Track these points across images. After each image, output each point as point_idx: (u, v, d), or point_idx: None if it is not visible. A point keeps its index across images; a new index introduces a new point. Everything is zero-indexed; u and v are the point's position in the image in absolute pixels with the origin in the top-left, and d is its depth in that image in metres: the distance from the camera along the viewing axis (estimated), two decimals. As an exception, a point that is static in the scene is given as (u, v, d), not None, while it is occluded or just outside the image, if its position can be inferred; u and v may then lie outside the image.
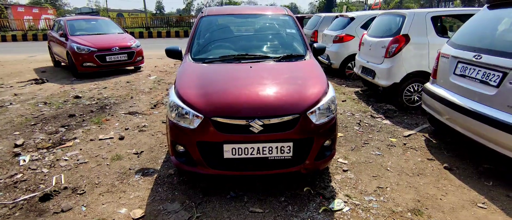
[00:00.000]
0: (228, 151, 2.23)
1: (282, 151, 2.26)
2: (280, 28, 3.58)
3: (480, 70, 2.78)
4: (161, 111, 4.79)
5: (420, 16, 4.42)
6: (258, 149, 2.23)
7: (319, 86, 2.50)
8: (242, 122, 2.19)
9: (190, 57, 3.11)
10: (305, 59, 3.06)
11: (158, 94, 5.82)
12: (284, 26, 3.58)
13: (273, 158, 2.27)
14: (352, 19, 6.86)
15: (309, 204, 2.40)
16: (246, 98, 2.31)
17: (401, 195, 2.53)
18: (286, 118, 2.22)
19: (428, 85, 3.57)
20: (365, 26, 6.68)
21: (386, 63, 4.63)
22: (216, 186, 2.62)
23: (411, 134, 3.79)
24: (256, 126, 2.18)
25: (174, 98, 2.41)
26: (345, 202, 2.41)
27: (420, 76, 4.50)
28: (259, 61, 2.95)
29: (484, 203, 2.42)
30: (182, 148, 2.43)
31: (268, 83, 2.50)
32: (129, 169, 2.99)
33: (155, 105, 5.06)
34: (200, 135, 2.25)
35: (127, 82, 6.90)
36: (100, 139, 3.71)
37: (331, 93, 2.47)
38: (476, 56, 2.81)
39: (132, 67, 8.39)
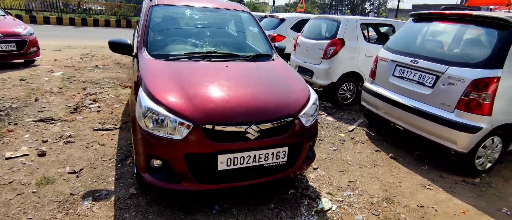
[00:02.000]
0: (223, 162, 1.98)
1: (278, 157, 2.15)
2: (242, 25, 3.40)
3: (417, 73, 3.30)
4: (87, 116, 3.92)
5: (352, 23, 4.95)
6: (255, 156, 2.06)
7: (304, 87, 2.48)
8: (239, 129, 1.97)
9: (146, 53, 2.62)
10: (273, 59, 3.00)
11: (74, 95, 4.76)
12: (245, 24, 3.42)
13: (268, 164, 2.14)
14: (282, 20, 7.17)
15: (299, 207, 2.37)
16: (239, 102, 2.09)
17: (370, 187, 2.77)
18: (281, 122, 2.11)
19: (368, 84, 4.04)
20: (294, 27, 7.10)
21: (324, 64, 5.01)
22: (196, 202, 2.30)
23: (353, 129, 4.22)
24: (252, 132, 2.00)
25: (149, 103, 1.97)
26: (330, 200, 2.49)
27: (352, 76, 5.06)
28: (229, 60, 2.73)
29: (429, 185, 2.89)
30: (158, 162, 2.03)
31: (255, 85, 2.34)
32: (71, 194, 2.32)
33: (75, 109, 4.10)
34: (189, 146, 1.92)
35: (21, 79, 5.38)
36: (8, 158, 2.76)
37: (314, 94, 2.49)
38: (413, 61, 3.32)
39: (22, 61, 6.62)
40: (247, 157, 2.04)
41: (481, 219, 2.46)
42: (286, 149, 2.15)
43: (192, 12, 3.22)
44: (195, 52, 2.73)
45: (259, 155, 2.07)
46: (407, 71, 3.41)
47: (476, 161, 3.00)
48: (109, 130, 3.56)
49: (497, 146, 3.03)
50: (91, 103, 4.39)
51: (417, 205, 2.54)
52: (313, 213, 2.31)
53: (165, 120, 1.93)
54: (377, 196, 2.62)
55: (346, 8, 55.08)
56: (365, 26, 5.13)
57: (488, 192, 2.86)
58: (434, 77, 3.09)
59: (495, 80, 2.69)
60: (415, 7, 52.51)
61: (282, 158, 2.17)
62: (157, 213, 2.17)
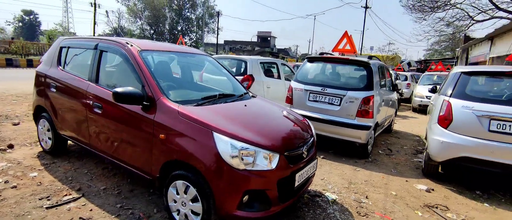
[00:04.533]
0: (297, 180, 2.49)
1: (313, 167, 2.86)
2: (216, 69, 3.71)
3: (326, 97, 4.86)
4: (1, 196, 2.80)
5: (255, 61, 6.15)
6: (307, 170, 2.68)
7: (301, 116, 3.30)
8: (300, 151, 2.56)
9: (169, 101, 2.56)
10: (254, 96, 3.60)
11: None
12: (217, 67, 3.75)
13: (310, 174, 2.80)
14: (172, 58, 7.37)
15: (320, 204, 3.13)
16: (292, 131, 2.66)
17: (334, 179, 3.91)
18: (312, 140, 2.86)
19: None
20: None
21: (240, 96, 5.88)
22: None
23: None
24: (305, 151, 2.65)
25: (240, 144, 2.18)
26: (330, 193, 3.39)
27: (261, 104, 6.21)
28: (235, 101, 3.11)
29: (356, 168, 4.40)
30: (246, 197, 2.25)
31: (283, 117, 2.93)
32: None
33: None
34: (280, 173, 2.31)
35: None
36: None
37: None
38: (323, 89, 4.87)
39: None
40: (305, 172, 2.63)
41: (391, 178, 4.15)
42: (316, 161, 2.90)
43: (175, 57, 3.26)
44: (212, 96, 2.92)
45: (308, 168, 2.71)
46: (319, 97, 4.93)
47: (368, 148, 4.84)
48: (70, 201, 2.81)
49: (368, 136, 5.01)
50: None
51: (364, 181, 3.91)
52: (330, 204, 3.14)
53: (257, 155, 2.22)
54: (344, 183, 3.79)
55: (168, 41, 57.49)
56: (262, 64, 6.48)
57: (379, 164, 4.72)
58: (340, 98, 4.74)
59: (372, 97, 4.60)
60: (226, 42, 62.45)
61: (314, 168, 2.89)
62: (244, 247, 2.29)
